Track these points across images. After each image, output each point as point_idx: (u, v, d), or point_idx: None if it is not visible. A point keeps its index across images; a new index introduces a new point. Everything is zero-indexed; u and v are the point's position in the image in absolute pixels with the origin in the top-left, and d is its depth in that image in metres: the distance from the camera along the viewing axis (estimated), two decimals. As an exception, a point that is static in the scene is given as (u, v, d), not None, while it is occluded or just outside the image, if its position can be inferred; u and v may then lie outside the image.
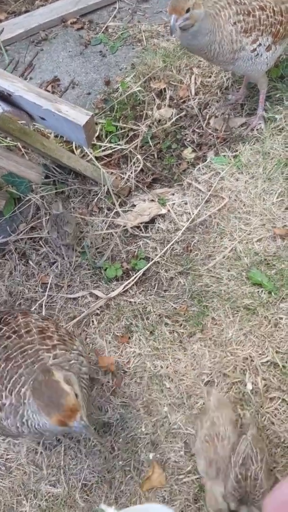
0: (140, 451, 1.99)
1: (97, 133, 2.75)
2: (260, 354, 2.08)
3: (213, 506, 1.69)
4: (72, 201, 2.61)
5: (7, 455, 2.08)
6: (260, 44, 2.33)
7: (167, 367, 2.14)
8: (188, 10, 2.08)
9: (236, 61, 2.32)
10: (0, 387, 1.65)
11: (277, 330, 2.12)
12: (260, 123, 2.66)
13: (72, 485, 1.99)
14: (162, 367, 2.14)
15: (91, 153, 2.66)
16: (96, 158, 2.69)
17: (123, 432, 2.03)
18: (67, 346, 1.78)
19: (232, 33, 2.22)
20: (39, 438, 1.99)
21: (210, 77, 2.90)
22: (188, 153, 2.72)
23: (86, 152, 2.67)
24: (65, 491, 1.97)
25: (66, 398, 1.43)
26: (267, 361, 2.06)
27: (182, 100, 2.85)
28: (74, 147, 2.69)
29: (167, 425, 2.02)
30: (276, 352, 2.06)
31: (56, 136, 2.74)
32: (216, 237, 2.43)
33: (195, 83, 2.88)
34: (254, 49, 2.32)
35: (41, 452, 2.06)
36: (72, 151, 2.66)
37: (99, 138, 2.76)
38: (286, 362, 2.03)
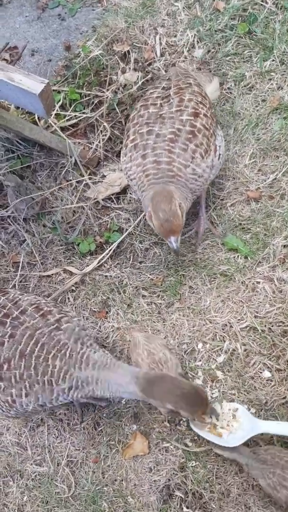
0: (124, 424, 1.98)
1: (60, 102, 2.62)
2: (238, 319, 2.06)
3: None
4: (39, 175, 2.51)
5: (-10, 438, 2.05)
6: (219, 146, 2.06)
7: (146, 339, 2.11)
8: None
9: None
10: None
11: (255, 295, 2.09)
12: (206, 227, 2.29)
13: (57, 463, 1.98)
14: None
15: (55, 124, 2.54)
16: (62, 128, 2.57)
17: (106, 407, 2.02)
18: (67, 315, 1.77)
19: (195, 170, 1.94)
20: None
21: (175, 36, 2.76)
22: (157, 118, 2.61)
23: (51, 123, 2.55)
24: (51, 469, 1.97)
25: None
26: (246, 326, 2.04)
27: (147, 63, 2.72)
28: (37, 118, 2.56)
29: (150, 396, 2.00)
30: (255, 316, 2.05)
31: (17, 108, 2.60)
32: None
33: (160, 43, 2.74)
34: (219, 154, 2.05)
35: (24, 433, 2.04)
36: (35, 123, 2.53)
37: (63, 107, 2.63)
38: (265, 326, 2.02)
